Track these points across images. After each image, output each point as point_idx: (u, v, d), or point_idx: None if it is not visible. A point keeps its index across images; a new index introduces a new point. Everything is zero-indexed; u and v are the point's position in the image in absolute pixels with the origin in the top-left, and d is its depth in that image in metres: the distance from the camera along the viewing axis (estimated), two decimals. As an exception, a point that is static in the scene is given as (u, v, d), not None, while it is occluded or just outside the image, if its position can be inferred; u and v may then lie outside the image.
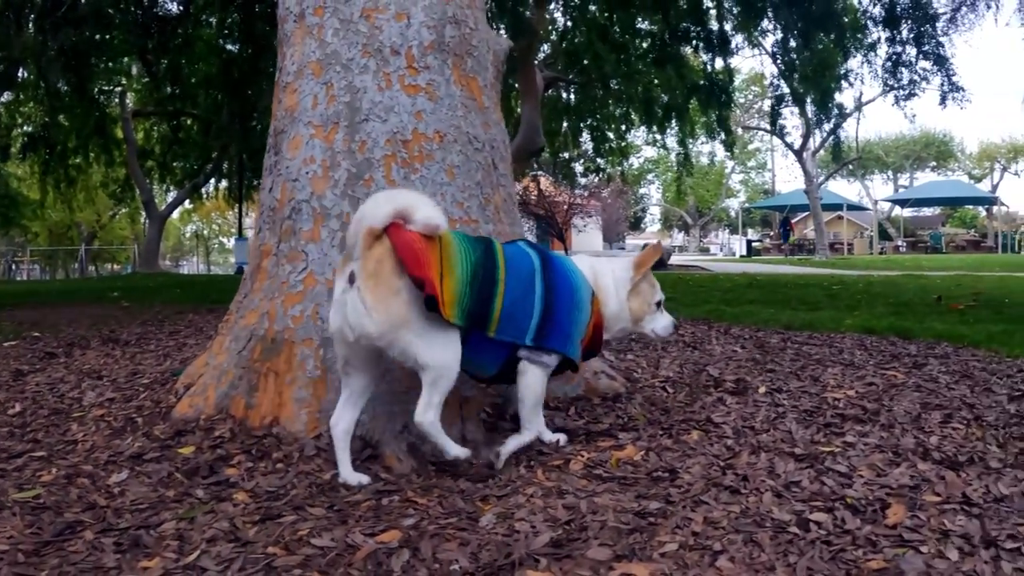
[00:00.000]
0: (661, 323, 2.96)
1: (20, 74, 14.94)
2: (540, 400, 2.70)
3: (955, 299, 8.52)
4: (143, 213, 30.57)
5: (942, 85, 13.62)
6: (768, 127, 34.55)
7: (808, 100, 14.87)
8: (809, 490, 2.28)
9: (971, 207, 44.76)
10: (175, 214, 38.37)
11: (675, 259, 25.12)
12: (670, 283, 10.29)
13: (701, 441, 2.80)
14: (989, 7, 13.84)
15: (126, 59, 17.71)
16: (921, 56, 13.49)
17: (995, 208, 39.79)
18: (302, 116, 3.18)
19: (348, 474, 2.50)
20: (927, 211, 46.79)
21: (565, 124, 18.58)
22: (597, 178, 26.42)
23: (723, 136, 16.45)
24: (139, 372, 4.38)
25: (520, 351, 2.61)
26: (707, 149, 45.32)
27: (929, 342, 5.23)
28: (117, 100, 22.27)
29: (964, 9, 14.19)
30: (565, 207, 29.74)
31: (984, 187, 49.01)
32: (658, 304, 2.95)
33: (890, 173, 58.28)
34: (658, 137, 17.78)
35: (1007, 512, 2.09)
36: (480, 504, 2.27)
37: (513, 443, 2.67)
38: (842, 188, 56.81)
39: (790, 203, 39.64)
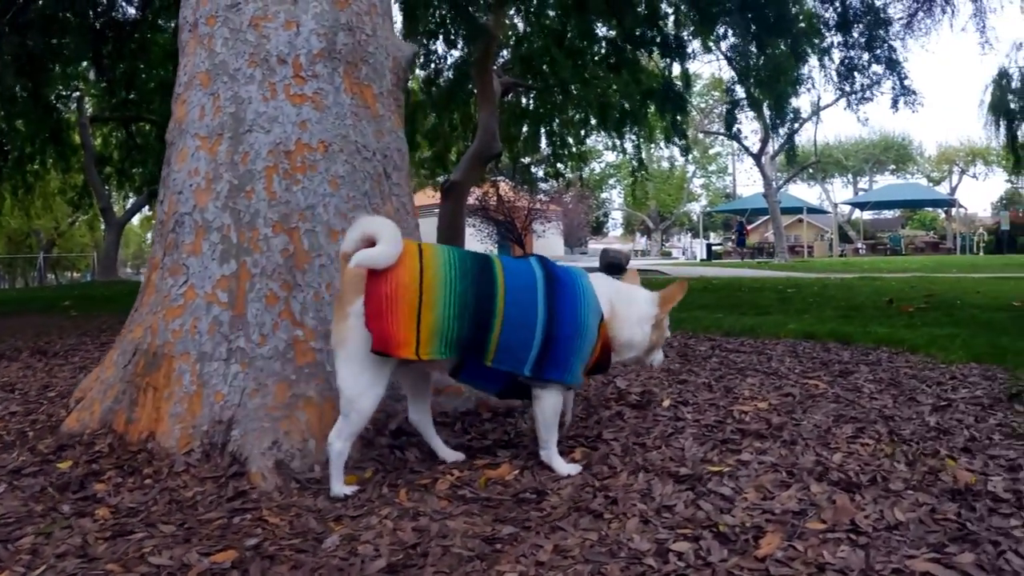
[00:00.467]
0: (659, 356, 2.98)
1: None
2: (553, 421, 2.64)
3: (907, 301, 8.42)
4: (102, 220, 30.15)
5: (894, 88, 13.73)
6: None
7: (764, 105, 14.93)
8: (681, 515, 2.12)
9: (930, 209, 45.25)
10: (135, 220, 38.00)
11: (634, 263, 24.90)
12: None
13: (583, 460, 2.68)
14: (945, 12, 13.96)
15: (84, 64, 17.43)
16: (873, 60, 13.59)
17: (953, 210, 40.37)
18: (190, 127, 3.12)
19: (442, 450, 2.79)
20: (887, 213, 47.30)
21: (524, 129, 18.51)
22: (556, 183, 26.38)
23: (679, 140, 16.44)
24: (51, 385, 4.32)
25: (520, 377, 2.57)
26: (667, 153, 45.63)
27: (866, 348, 5.02)
28: (74, 105, 21.95)
29: (921, 14, 14.32)
30: (525, 212, 29.64)
31: (943, 190, 49.73)
32: None
33: (850, 176, 58.87)
34: (617, 142, 17.76)
35: (898, 542, 1.89)
36: (332, 524, 2.22)
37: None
38: (803, 191, 57.64)
39: (751, 207, 39.70)
